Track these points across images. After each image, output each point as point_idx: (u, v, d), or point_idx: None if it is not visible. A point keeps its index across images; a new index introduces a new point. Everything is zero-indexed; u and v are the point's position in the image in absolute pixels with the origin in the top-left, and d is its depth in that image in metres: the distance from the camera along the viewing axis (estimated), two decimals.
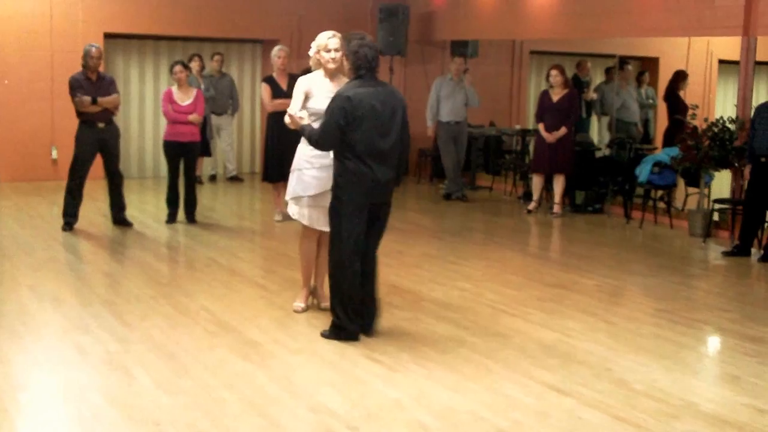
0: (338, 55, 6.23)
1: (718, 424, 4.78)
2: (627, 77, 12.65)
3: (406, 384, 5.25)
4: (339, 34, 6.33)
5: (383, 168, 5.84)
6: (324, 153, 6.18)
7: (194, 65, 12.64)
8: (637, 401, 5.07)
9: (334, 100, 5.82)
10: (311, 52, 6.46)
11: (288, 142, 10.03)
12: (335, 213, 5.89)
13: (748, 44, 9.82)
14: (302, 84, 6.39)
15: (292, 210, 6.48)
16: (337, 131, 5.75)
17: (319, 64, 6.45)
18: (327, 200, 6.15)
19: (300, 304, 6.71)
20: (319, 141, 5.88)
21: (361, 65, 5.86)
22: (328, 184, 6.17)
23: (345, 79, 6.26)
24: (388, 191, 5.99)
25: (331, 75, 6.38)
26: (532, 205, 11.46)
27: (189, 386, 5.14)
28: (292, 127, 6.20)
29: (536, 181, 11.51)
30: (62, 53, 12.68)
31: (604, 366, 5.66)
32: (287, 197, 6.54)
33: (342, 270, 5.88)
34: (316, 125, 6.07)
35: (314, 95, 6.32)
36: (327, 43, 6.33)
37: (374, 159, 5.80)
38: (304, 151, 6.40)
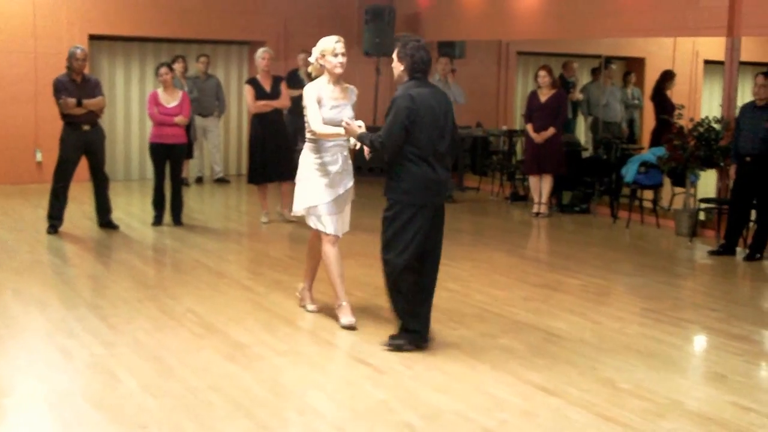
0: (345, 59, 6.20)
1: (704, 423, 4.79)
2: (611, 77, 12.69)
3: (393, 385, 5.24)
4: (343, 39, 6.29)
5: (442, 168, 5.73)
6: (333, 159, 6.18)
7: (177, 67, 12.58)
8: (624, 400, 5.08)
9: (396, 101, 5.63)
10: (312, 58, 6.31)
11: (273, 143, 10.12)
12: (395, 218, 5.67)
13: (732, 44, 9.86)
14: (312, 92, 6.22)
15: (312, 221, 6.33)
16: (403, 132, 5.57)
17: (320, 70, 6.30)
18: (345, 203, 6.26)
19: (313, 306, 6.68)
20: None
21: (417, 68, 5.72)
22: (341, 188, 6.23)
23: (347, 85, 6.34)
24: (447, 191, 5.98)
25: (336, 80, 6.26)
26: (536, 208, 11.37)
27: (175, 388, 5.12)
28: (347, 136, 5.97)
29: (533, 183, 11.48)
30: (46, 55, 12.62)
31: (591, 365, 5.67)
32: (299, 209, 6.36)
33: (402, 275, 5.69)
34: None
35: (323, 104, 6.20)
36: (335, 47, 6.21)
37: (436, 160, 5.67)
38: (309, 159, 6.28)
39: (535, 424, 4.72)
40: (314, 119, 6.14)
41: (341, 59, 6.18)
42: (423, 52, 5.74)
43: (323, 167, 6.22)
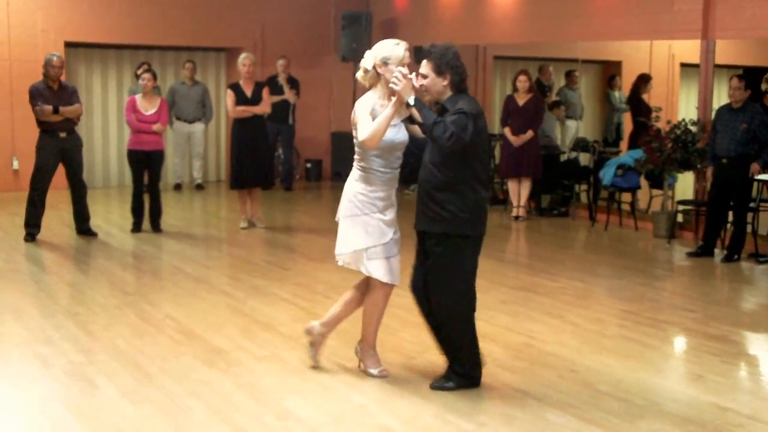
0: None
1: (683, 423, 4.81)
2: (575, 81, 12.78)
3: (372, 389, 5.24)
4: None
5: (487, 193, 5.16)
6: (387, 194, 5.21)
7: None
8: (603, 402, 5.10)
9: (467, 112, 4.83)
10: (369, 65, 5.16)
11: (253, 149, 10.09)
12: (454, 253, 5.03)
13: (707, 47, 9.93)
14: (366, 105, 5.14)
15: (368, 267, 5.22)
16: (472, 138, 4.83)
17: (375, 80, 5.18)
18: (398, 245, 5.31)
19: (375, 370, 5.45)
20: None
21: (463, 78, 5.02)
22: (394, 227, 5.29)
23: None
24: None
25: (391, 97, 5.05)
26: (515, 211, 11.40)
27: (154, 395, 5.09)
28: (401, 90, 4.87)
29: (512, 187, 11.50)
30: (21, 62, 12.52)
31: (570, 368, 5.68)
32: (347, 251, 5.26)
33: (467, 315, 5.17)
34: (376, 161, 5.13)
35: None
36: (404, 55, 5.12)
37: (486, 186, 5.09)
38: (361, 190, 5.20)
39: (514, 427, 4.73)
40: (364, 130, 5.04)
41: (405, 71, 4.97)
42: (461, 61, 5.03)
43: (377, 202, 5.22)
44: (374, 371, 5.42)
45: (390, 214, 5.27)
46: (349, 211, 5.23)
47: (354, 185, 5.24)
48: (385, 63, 5.09)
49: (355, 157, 5.27)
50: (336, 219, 5.37)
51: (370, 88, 5.24)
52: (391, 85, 4.93)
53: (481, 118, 4.92)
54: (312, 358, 5.54)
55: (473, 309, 5.22)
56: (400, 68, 4.94)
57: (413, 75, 4.95)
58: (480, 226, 5.07)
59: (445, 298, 5.10)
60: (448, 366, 5.28)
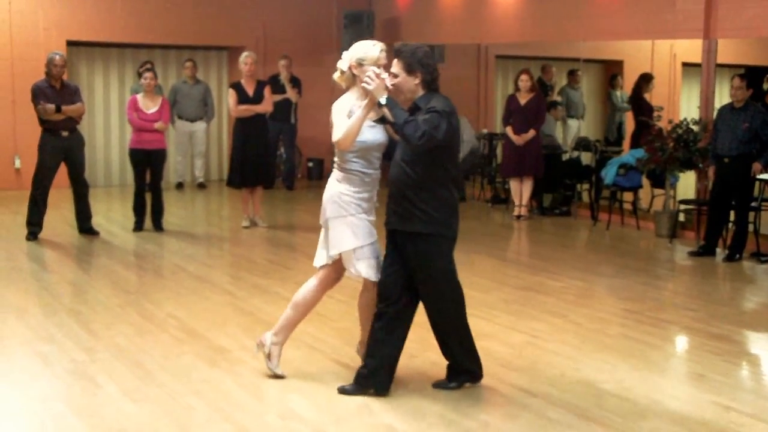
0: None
1: (685, 422, 4.81)
2: (577, 81, 12.79)
3: None
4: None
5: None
6: (370, 195, 5.16)
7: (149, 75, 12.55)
8: (605, 400, 5.10)
9: (441, 111, 4.78)
10: (344, 66, 5.12)
11: (255, 148, 10.10)
12: (431, 253, 4.96)
13: (709, 47, 9.93)
14: (344, 105, 5.12)
15: (358, 268, 5.15)
16: (446, 138, 4.79)
17: (352, 81, 5.14)
18: (378, 246, 5.24)
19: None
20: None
21: (435, 77, 4.95)
22: (374, 229, 5.22)
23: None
24: None
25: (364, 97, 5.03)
26: (517, 210, 11.39)
27: (156, 394, 5.10)
28: (373, 96, 4.84)
29: (514, 186, 11.50)
30: (23, 61, 12.53)
31: (572, 366, 5.69)
32: (337, 253, 5.17)
33: (456, 312, 5.14)
34: (357, 162, 5.08)
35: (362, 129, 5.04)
36: (380, 57, 5.06)
37: (457, 186, 5.06)
38: (345, 191, 5.14)
39: (516, 425, 4.74)
40: (338, 130, 5.02)
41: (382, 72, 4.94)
42: (432, 59, 5.00)
43: (362, 203, 5.15)
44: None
45: (373, 215, 5.23)
46: (335, 212, 5.16)
47: (337, 186, 5.18)
48: (360, 64, 5.04)
49: (335, 159, 5.23)
50: (320, 223, 5.29)
51: (347, 90, 5.21)
52: (363, 85, 4.88)
53: (454, 116, 4.85)
54: (271, 368, 5.36)
55: (462, 305, 5.15)
56: (373, 68, 4.91)
57: (386, 75, 4.91)
58: (455, 226, 5.04)
59: (432, 299, 5.07)
60: (448, 366, 5.28)
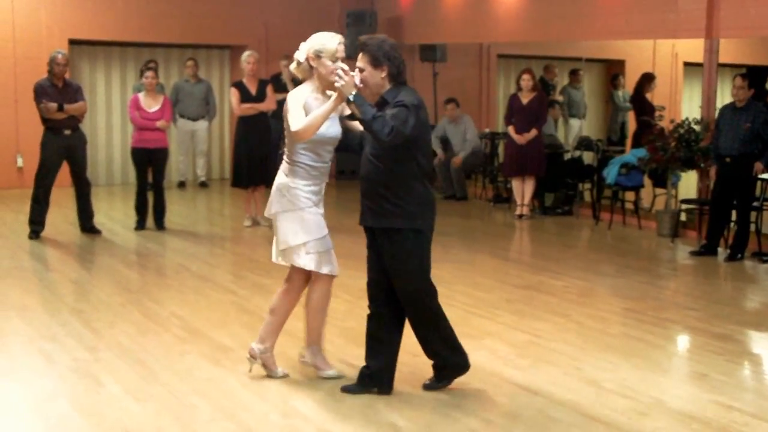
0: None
1: (686, 421, 4.82)
2: (579, 80, 12.80)
3: None
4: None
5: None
6: (320, 188, 5.12)
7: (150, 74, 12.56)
8: (607, 399, 5.11)
9: (408, 104, 4.71)
10: (301, 57, 5.10)
11: (257, 147, 10.10)
12: (413, 247, 4.87)
13: (710, 46, 9.93)
14: (300, 97, 5.04)
15: (304, 261, 5.09)
16: (415, 133, 4.74)
17: (308, 73, 5.11)
18: (330, 240, 5.20)
19: (332, 371, 5.37)
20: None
21: (402, 70, 4.88)
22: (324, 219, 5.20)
23: (331, 93, 4.93)
24: None
25: (326, 90, 5.02)
26: (518, 210, 11.39)
27: (158, 392, 5.11)
28: (342, 93, 4.74)
29: (516, 186, 11.50)
30: (25, 60, 12.54)
31: (574, 365, 5.69)
32: (286, 247, 5.15)
33: (431, 307, 5.02)
34: (305, 155, 5.02)
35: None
36: (337, 49, 5.02)
37: (429, 179, 4.99)
38: (293, 184, 5.07)
39: (519, 424, 4.74)
40: (296, 121, 4.91)
41: (341, 65, 4.86)
42: (399, 52, 4.92)
43: (311, 196, 5.12)
44: (331, 372, 5.33)
45: (322, 208, 5.17)
46: (283, 206, 5.11)
47: (285, 179, 5.11)
48: (318, 56, 5.00)
49: (284, 150, 5.18)
50: (266, 215, 5.27)
51: (303, 81, 5.15)
52: (335, 83, 4.75)
53: (422, 109, 4.79)
54: (273, 374, 5.35)
55: (435, 299, 5.03)
56: (342, 65, 4.83)
57: (356, 72, 4.84)
58: (430, 219, 4.95)
59: (408, 293, 4.95)
60: (433, 365, 5.23)
